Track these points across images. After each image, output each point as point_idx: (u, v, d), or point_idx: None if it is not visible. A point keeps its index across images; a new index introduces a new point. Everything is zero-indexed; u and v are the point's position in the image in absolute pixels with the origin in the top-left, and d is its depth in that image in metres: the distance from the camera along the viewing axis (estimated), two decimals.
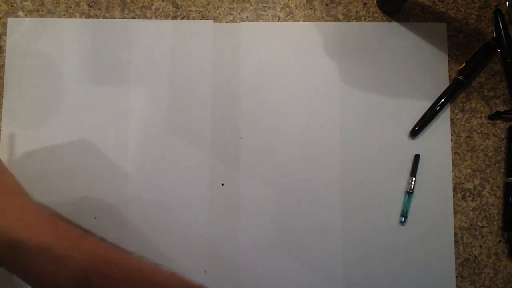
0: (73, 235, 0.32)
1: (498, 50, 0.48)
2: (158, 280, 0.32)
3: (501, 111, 0.47)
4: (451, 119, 0.47)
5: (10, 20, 0.48)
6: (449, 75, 0.48)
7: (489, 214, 0.46)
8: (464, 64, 0.47)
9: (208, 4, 0.49)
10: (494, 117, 0.47)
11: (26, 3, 0.48)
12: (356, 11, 0.49)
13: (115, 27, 0.48)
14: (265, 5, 0.49)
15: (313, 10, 0.49)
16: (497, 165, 0.47)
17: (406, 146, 0.47)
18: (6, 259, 0.31)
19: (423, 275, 0.45)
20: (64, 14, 0.48)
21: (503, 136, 0.47)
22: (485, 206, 0.46)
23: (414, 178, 0.46)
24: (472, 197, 0.46)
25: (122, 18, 0.48)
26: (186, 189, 0.46)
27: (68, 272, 0.30)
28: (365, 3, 0.49)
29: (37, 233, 0.31)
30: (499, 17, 0.48)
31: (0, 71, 0.47)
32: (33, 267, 0.30)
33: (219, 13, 0.49)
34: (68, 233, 0.32)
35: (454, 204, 0.46)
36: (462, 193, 0.46)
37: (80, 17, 0.48)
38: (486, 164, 0.47)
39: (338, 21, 0.49)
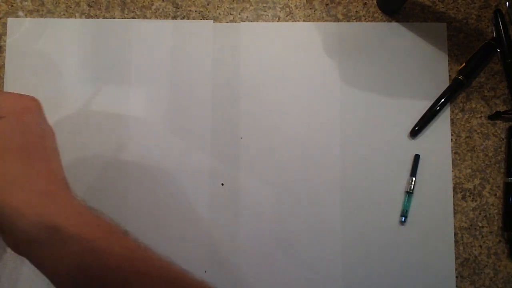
0: (115, 231, 0.32)
1: (498, 50, 0.48)
2: (194, 285, 0.31)
3: (501, 111, 0.47)
4: (451, 119, 0.47)
5: (10, 20, 0.48)
6: (449, 75, 0.48)
7: (489, 214, 0.46)
8: (464, 64, 0.47)
9: (208, 4, 0.49)
10: (494, 117, 0.47)
11: (26, 3, 0.48)
12: (356, 11, 0.49)
13: (115, 27, 0.48)
14: (265, 5, 0.49)
15: (313, 10, 0.49)
16: (497, 165, 0.47)
17: (406, 146, 0.47)
18: (41, 243, 0.29)
19: (423, 275, 0.45)
20: (64, 14, 0.48)
21: (503, 136, 0.47)
22: (485, 206, 0.46)
23: (414, 178, 0.46)
24: (472, 197, 0.46)
25: (122, 18, 0.48)
26: (186, 189, 0.46)
27: (106, 266, 0.29)
28: (365, 3, 0.49)
29: (80, 221, 0.30)
30: (499, 17, 0.48)
31: (0, 71, 0.47)
32: (69, 255, 0.29)
33: (219, 13, 0.49)
34: (110, 228, 0.32)
35: (454, 204, 0.46)
36: (462, 193, 0.46)
37: (80, 17, 0.48)
38: (486, 164, 0.47)
39: (338, 21, 0.49)
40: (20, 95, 0.34)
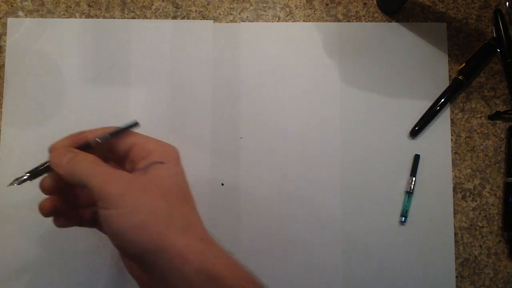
0: (256, 283, 0.31)
1: (498, 50, 0.48)
2: None
3: (501, 111, 0.47)
4: (451, 119, 0.47)
5: (10, 20, 0.48)
6: (449, 75, 0.48)
7: (489, 214, 0.46)
8: (464, 64, 0.47)
9: (208, 4, 0.49)
10: (494, 117, 0.47)
11: (26, 3, 0.48)
12: (356, 11, 0.49)
13: (115, 27, 0.48)
14: (265, 5, 0.49)
15: (313, 10, 0.49)
16: (497, 165, 0.47)
17: (406, 146, 0.47)
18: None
19: (423, 275, 0.45)
20: (64, 14, 0.48)
21: (503, 136, 0.47)
22: (485, 206, 0.46)
23: (414, 178, 0.46)
24: (472, 197, 0.46)
25: (122, 18, 0.48)
26: None
27: None
28: (365, 3, 0.49)
29: (236, 273, 0.30)
30: (499, 17, 0.48)
31: (0, 71, 0.47)
32: None
33: (219, 13, 0.49)
34: (252, 278, 0.31)
35: (454, 204, 0.46)
36: (462, 193, 0.46)
37: (80, 17, 0.48)
38: (486, 164, 0.47)
39: (338, 21, 0.49)
40: (166, 143, 0.34)
